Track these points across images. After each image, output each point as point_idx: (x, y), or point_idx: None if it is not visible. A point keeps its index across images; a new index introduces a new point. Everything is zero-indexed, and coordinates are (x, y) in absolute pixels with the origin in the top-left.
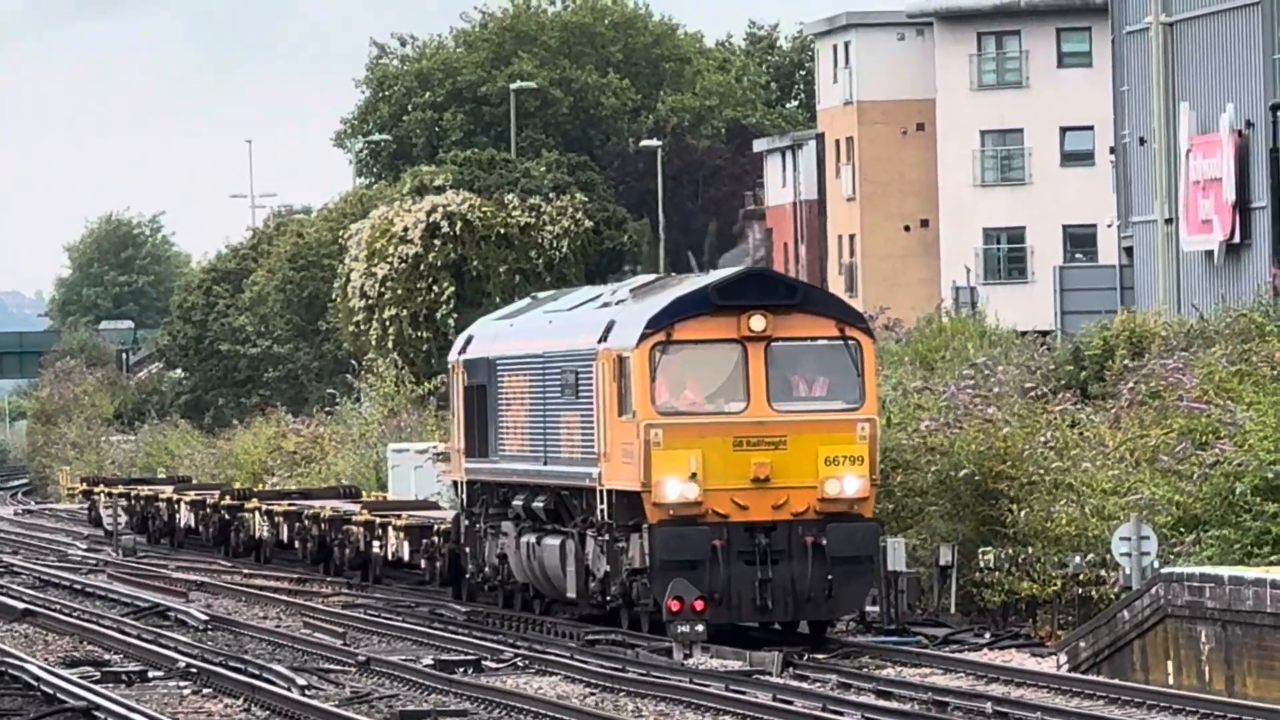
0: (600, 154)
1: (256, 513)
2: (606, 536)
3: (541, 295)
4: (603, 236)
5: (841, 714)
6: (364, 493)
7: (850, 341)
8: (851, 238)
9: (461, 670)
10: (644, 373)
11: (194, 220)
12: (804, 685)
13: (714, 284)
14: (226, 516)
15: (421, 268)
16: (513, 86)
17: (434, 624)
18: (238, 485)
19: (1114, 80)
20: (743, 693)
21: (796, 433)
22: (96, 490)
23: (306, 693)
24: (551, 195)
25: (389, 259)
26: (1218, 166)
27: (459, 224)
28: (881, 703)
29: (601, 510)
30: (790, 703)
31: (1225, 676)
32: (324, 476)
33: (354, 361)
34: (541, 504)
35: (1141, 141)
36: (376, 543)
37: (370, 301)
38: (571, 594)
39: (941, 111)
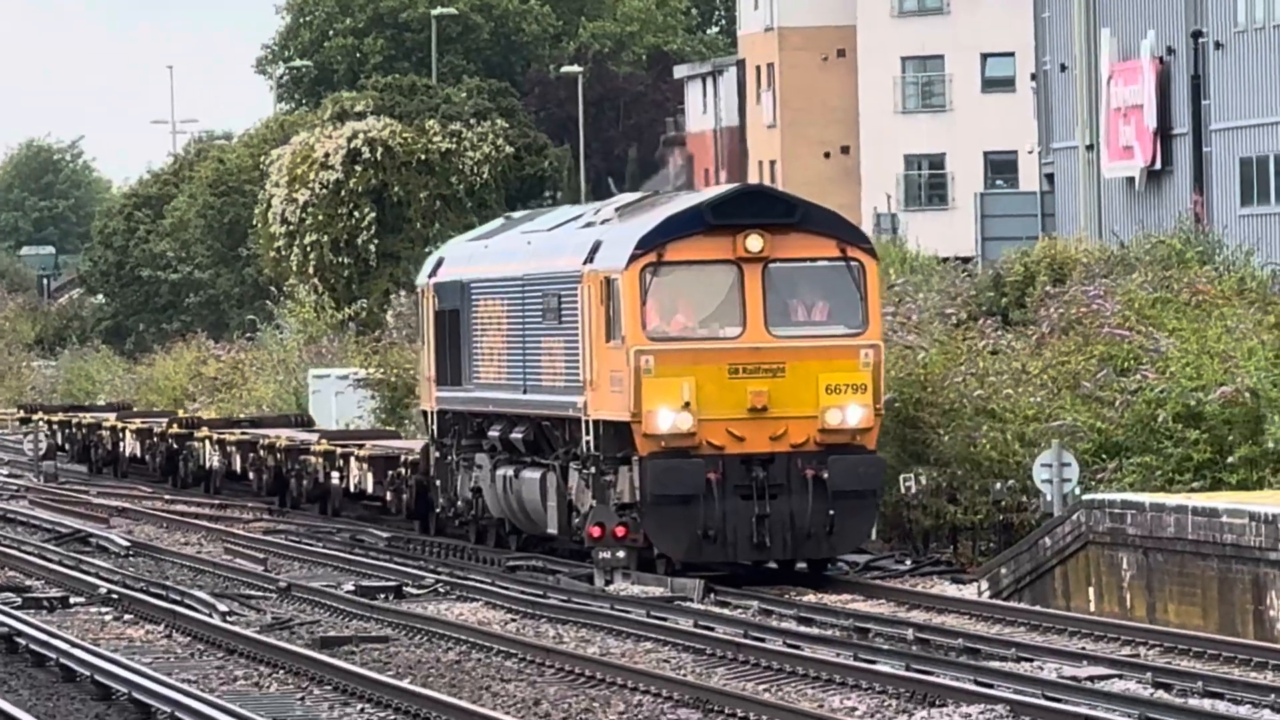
0: (521, 80)
1: (207, 442)
2: (592, 469)
3: (516, 215)
4: (523, 163)
5: (763, 640)
6: (316, 421)
7: (853, 262)
8: (772, 164)
9: (382, 596)
10: (634, 296)
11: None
12: (725, 612)
13: (708, 202)
14: (174, 445)
15: (342, 194)
16: (434, 12)
17: (355, 550)
18: (181, 413)
19: (1035, 6)
20: (664, 619)
21: (796, 359)
22: (35, 417)
23: (228, 619)
24: (472, 121)
25: (310, 185)
26: (1139, 93)
27: (380, 150)
28: (803, 629)
29: (587, 442)
30: (711, 629)
31: (1146, 603)
32: (245, 402)
33: (274, 288)
34: (520, 435)
35: (1063, 68)
36: (336, 474)
37: (291, 227)
38: (552, 529)
39: (862, 38)
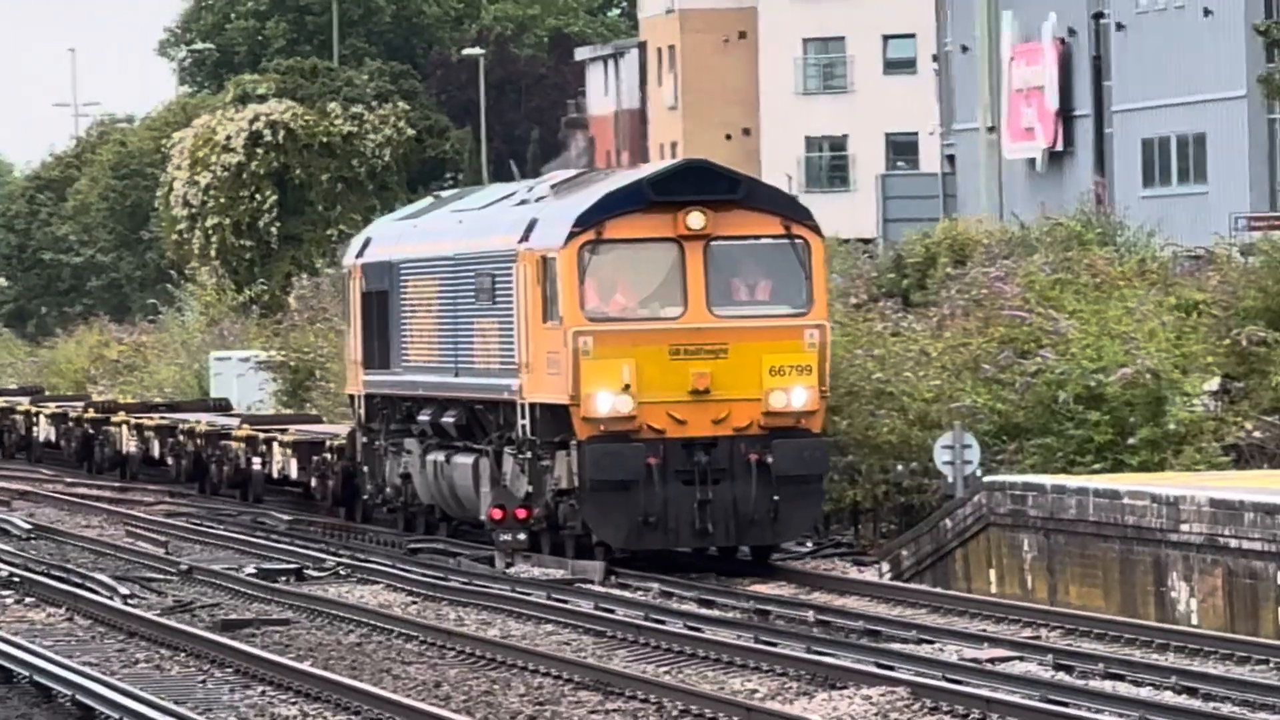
0: (423, 63)
1: (124, 426)
2: (528, 454)
3: (445, 194)
4: (425, 145)
5: (664, 623)
6: (234, 406)
7: (797, 240)
8: (674, 146)
9: (284, 579)
10: (572, 275)
11: (16, 128)
12: (626, 594)
13: (648, 178)
14: (90, 430)
15: (244, 176)
16: None
17: (256, 533)
18: (96, 397)
19: None
20: (565, 601)
21: (738, 340)
22: None
23: (129, 601)
24: (374, 104)
25: (212, 168)
26: (1040, 74)
27: (281, 133)
28: (703, 611)
29: (523, 426)
30: (612, 611)
31: (1048, 585)
32: (147, 385)
33: (176, 271)
34: (452, 419)
35: (964, 49)
36: (258, 460)
37: (193, 210)
38: (485, 516)
39: (763, 19)
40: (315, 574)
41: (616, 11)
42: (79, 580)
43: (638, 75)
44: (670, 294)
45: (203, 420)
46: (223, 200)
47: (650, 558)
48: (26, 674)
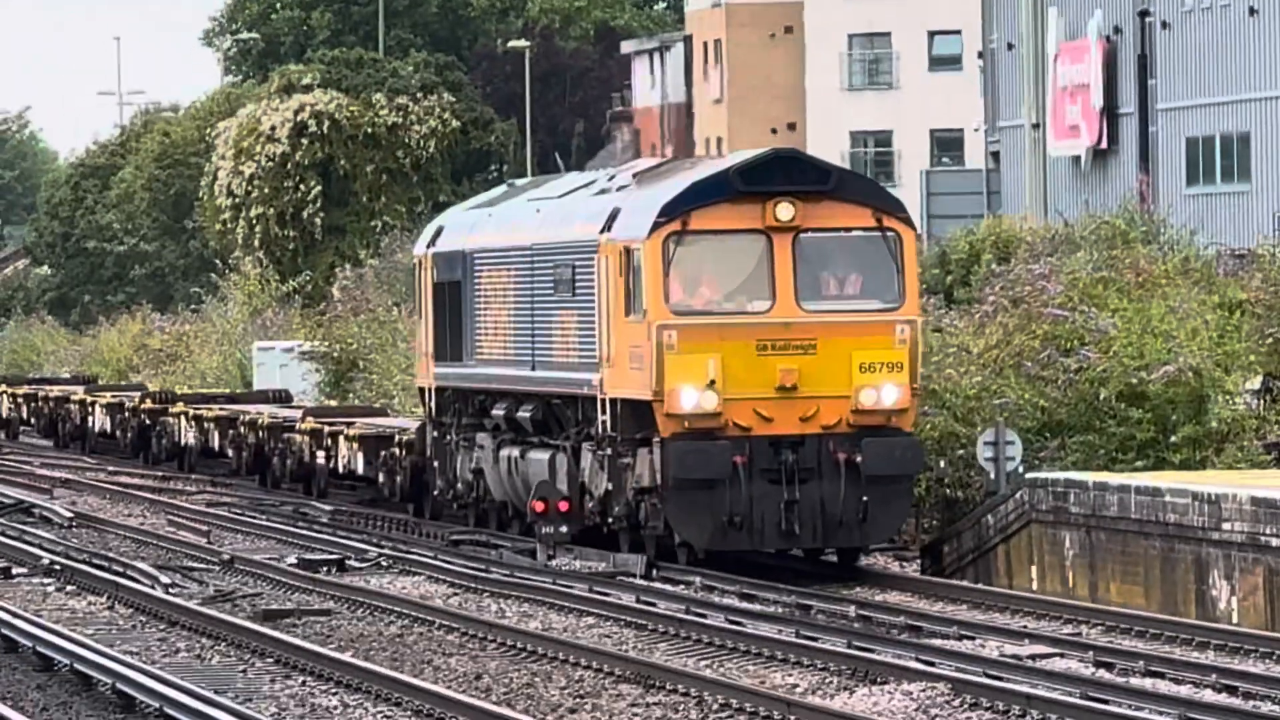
0: (468, 55)
1: (182, 417)
2: (608, 451)
3: (519, 182)
4: (469, 137)
5: (705, 616)
6: (294, 397)
7: (889, 233)
8: (719, 140)
9: (325, 569)
10: (656, 267)
11: (61, 116)
12: (668, 588)
13: (736, 167)
14: (146, 421)
15: (288, 167)
16: None
17: (298, 523)
18: (153, 385)
19: None
20: (606, 594)
21: (828, 335)
22: None
23: (170, 591)
24: (419, 95)
25: (256, 158)
26: (1085, 72)
27: (326, 123)
28: (745, 605)
29: (603, 421)
30: (653, 604)
31: (1089, 582)
32: (189, 374)
33: (220, 260)
34: (527, 414)
35: (1009, 47)
36: (322, 453)
37: (237, 200)
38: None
39: (809, 14)
40: (357, 565)
41: (663, 5)
42: (120, 569)
43: (683, 69)
44: (758, 287)
45: (265, 412)
46: (267, 190)
47: (734, 560)
48: (67, 662)
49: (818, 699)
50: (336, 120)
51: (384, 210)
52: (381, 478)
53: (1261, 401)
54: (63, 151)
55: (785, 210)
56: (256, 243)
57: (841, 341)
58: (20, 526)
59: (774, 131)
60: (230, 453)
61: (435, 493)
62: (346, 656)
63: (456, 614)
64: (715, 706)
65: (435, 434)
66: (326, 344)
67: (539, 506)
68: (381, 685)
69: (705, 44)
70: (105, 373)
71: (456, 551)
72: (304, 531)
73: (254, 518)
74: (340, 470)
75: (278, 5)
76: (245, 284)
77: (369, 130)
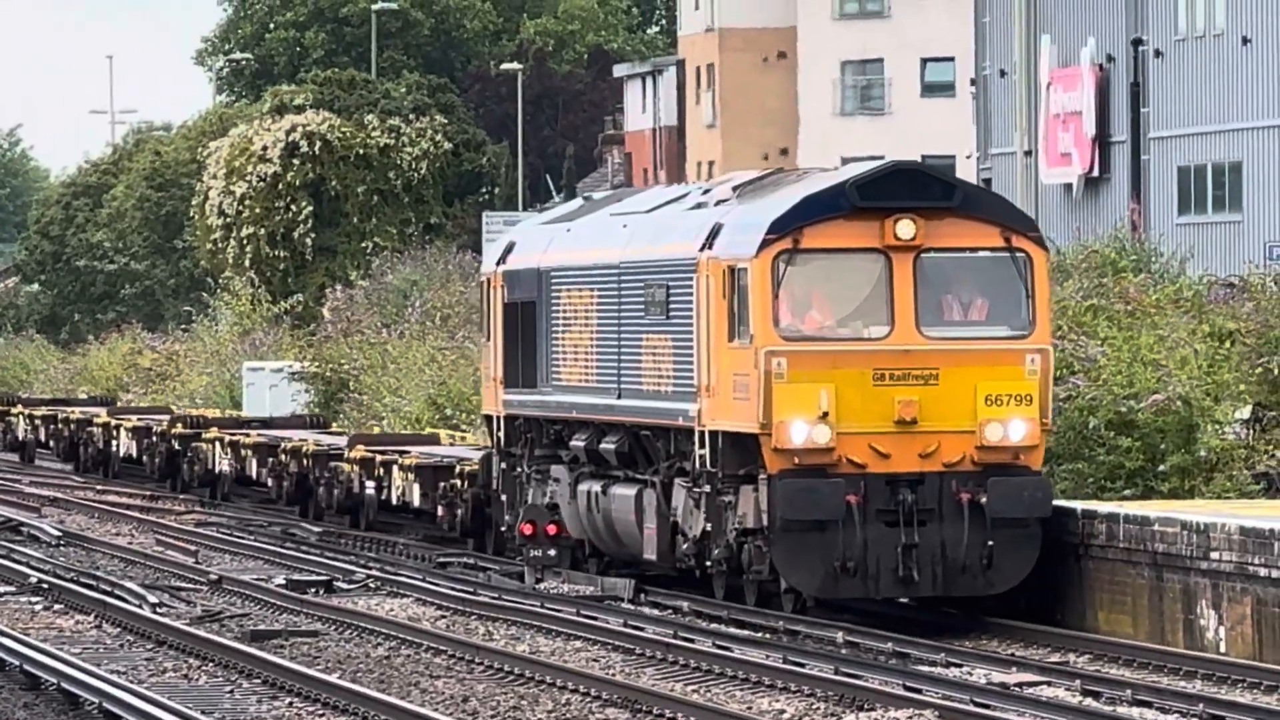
0: (461, 76)
1: (217, 444)
2: (706, 488)
3: (597, 196)
4: (461, 159)
5: (692, 641)
6: (332, 422)
7: (1018, 254)
8: (711, 165)
9: (313, 590)
10: (765, 288)
11: (53, 134)
12: (655, 612)
13: (852, 180)
14: (176, 446)
15: (280, 187)
16: (374, 7)
17: (286, 544)
18: (184, 410)
19: (975, 11)
20: (594, 618)
21: (951, 365)
22: (14, 411)
23: (158, 610)
24: (411, 117)
25: (248, 178)
26: (1078, 100)
27: (318, 144)
28: (732, 630)
29: (700, 456)
30: (641, 629)
31: (1077, 610)
32: (179, 394)
33: (210, 279)
34: (612, 445)
35: (1002, 74)
36: (372, 483)
37: (228, 220)
38: (650, 555)
39: (803, 40)
40: (345, 586)
41: (656, 29)
42: (108, 588)
43: (675, 93)
44: (875, 311)
45: (309, 439)
46: (258, 210)
47: (844, 608)
48: (54, 681)
49: None
50: (328, 141)
51: (375, 231)
52: (440, 511)
53: (1251, 431)
54: (54, 170)
55: (906, 228)
56: (247, 262)
57: (966, 371)
58: (8, 545)
59: (766, 157)
60: (270, 481)
61: (503, 529)
62: (334, 678)
63: (444, 636)
64: None
65: (503, 465)
66: (317, 365)
67: (527, 530)
68: (369, 707)
69: (698, 68)
70: (95, 391)
71: (444, 573)
72: (292, 552)
73: (242, 538)
74: (393, 502)
75: (271, 26)
76: (236, 304)
77: (360, 151)
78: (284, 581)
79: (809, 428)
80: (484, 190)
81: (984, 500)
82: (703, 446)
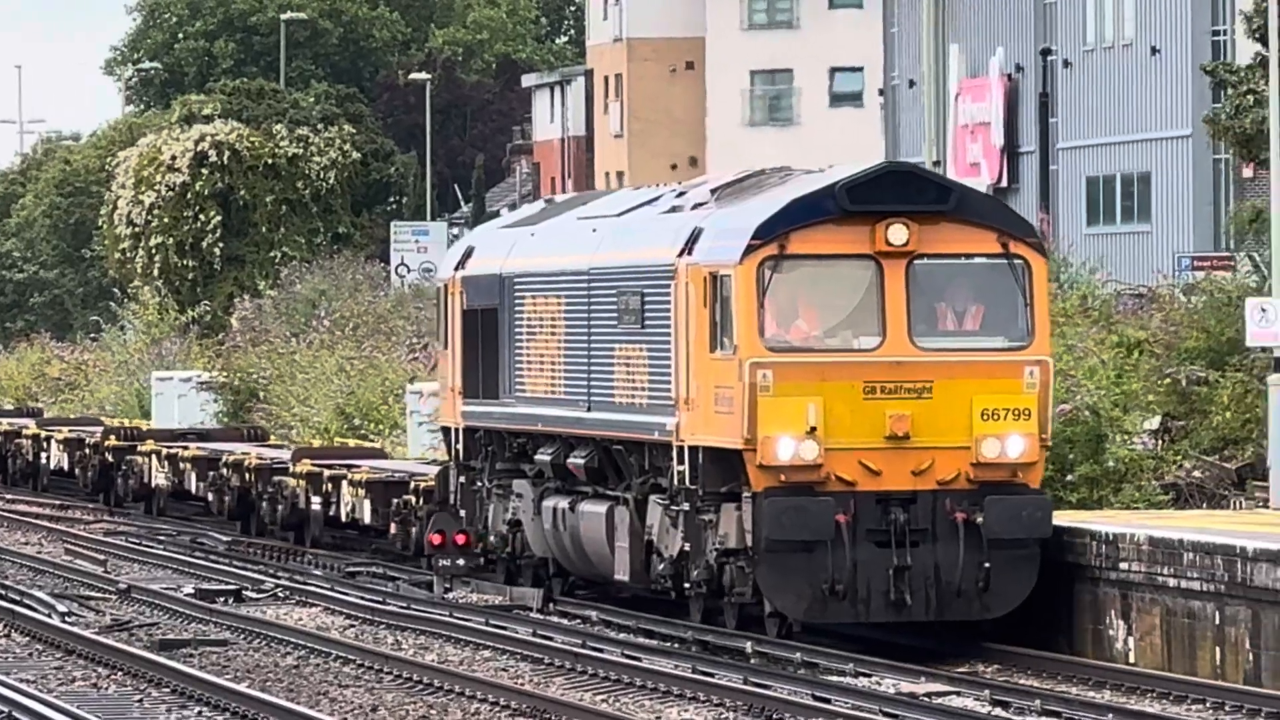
0: (370, 86)
1: (153, 456)
2: (685, 506)
3: (559, 199)
4: (370, 169)
5: (601, 650)
6: (272, 435)
7: (1016, 260)
8: (620, 175)
9: (222, 600)
10: (749, 296)
11: None
12: (564, 621)
13: (842, 183)
14: (110, 459)
15: (188, 196)
16: (283, 16)
17: (195, 553)
18: (116, 421)
19: (884, 21)
20: (503, 628)
21: (945, 377)
22: None
23: (66, 619)
24: (320, 126)
25: (156, 187)
26: (986, 110)
27: (227, 154)
28: (642, 640)
29: (679, 472)
30: (550, 638)
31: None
32: (87, 404)
33: (119, 289)
34: (581, 460)
35: (911, 84)
36: (319, 499)
37: (137, 229)
38: (622, 575)
39: (711, 50)
40: (254, 595)
41: (564, 39)
42: (16, 597)
43: (584, 103)
44: (865, 321)
45: (251, 453)
46: (166, 220)
47: (831, 633)
48: None
49: None
50: (237, 150)
51: (283, 241)
52: (393, 529)
53: (1159, 441)
54: None
55: (898, 233)
56: (156, 272)
57: (961, 384)
58: None
59: (674, 167)
60: (210, 496)
61: None
62: (243, 687)
63: (353, 645)
64: None
65: (462, 480)
66: (225, 374)
67: (436, 539)
68: (278, 716)
69: (606, 78)
70: (3, 401)
71: (353, 583)
72: (201, 561)
73: (151, 547)
74: (342, 519)
75: (180, 35)
76: (144, 313)
77: (269, 161)
78: (193, 591)
79: (796, 443)
80: (392, 200)
81: (980, 520)
82: (681, 462)
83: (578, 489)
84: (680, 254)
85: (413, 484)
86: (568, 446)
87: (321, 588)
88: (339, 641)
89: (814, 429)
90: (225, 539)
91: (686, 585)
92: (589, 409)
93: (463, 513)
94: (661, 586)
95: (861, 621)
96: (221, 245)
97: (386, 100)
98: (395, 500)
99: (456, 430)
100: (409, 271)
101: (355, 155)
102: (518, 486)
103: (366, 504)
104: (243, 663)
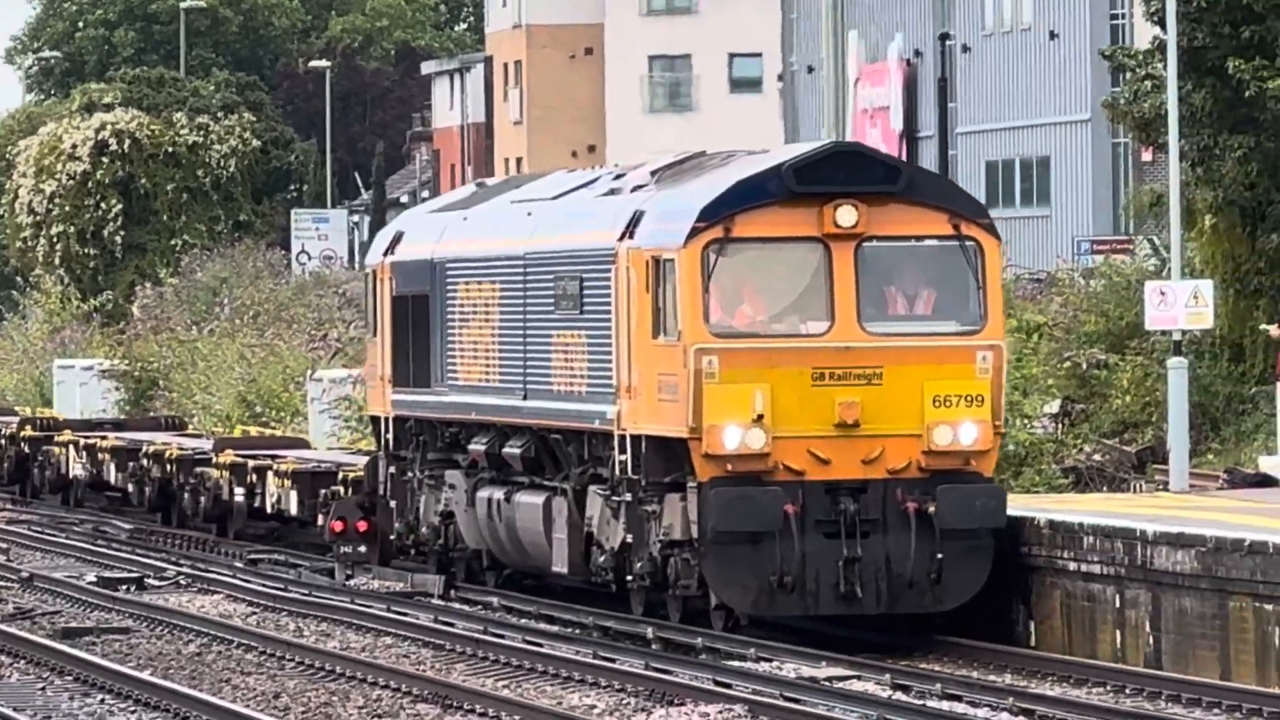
0: (270, 74)
1: (71, 446)
2: (627, 496)
3: (490, 182)
4: (270, 156)
5: (503, 636)
6: (188, 423)
7: (968, 242)
8: (519, 161)
9: (125, 588)
10: (694, 281)
11: None
12: (466, 608)
13: (790, 163)
14: (25, 450)
15: (89, 185)
16: (183, 5)
17: (98, 541)
18: (35, 411)
19: (783, 7)
20: (404, 614)
21: (896, 363)
22: None
23: None
24: (220, 115)
25: (57, 176)
26: (885, 95)
27: (127, 142)
28: (543, 626)
29: (621, 462)
30: (451, 624)
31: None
32: None
33: (20, 277)
34: (517, 450)
35: (810, 69)
36: (243, 490)
37: (38, 218)
38: (560, 568)
39: (610, 36)
40: (156, 583)
41: (464, 26)
42: None
43: (484, 90)
44: (813, 305)
45: (173, 443)
46: (68, 208)
47: (779, 626)
48: None
49: None
50: (137, 139)
51: (184, 229)
52: (320, 519)
53: (1060, 425)
54: None
55: (847, 215)
56: (57, 260)
57: (912, 370)
58: None
59: (574, 154)
60: (130, 487)
61: (393, 537)
62: (145, 675)
63: (255, 633)
64: None
65: (392, 470)
66: (127, 362)
67: (337, 526)
68: (180, 704)
69: (506, 65)
70: None
71: (255, 570)
72: (104, 549)
73: (53, 535)
74: (267, 510)
75: (81, 24)
76: (46, 301)
77: (170, 149)
78: (95, 579)
79: (742, 431)
80: (293, 187)
81: (932, 510)
82: (623, 452)
83: (513, 479)
84: (621, 237)
85: (341, 474)
86: (503, 436)
87: (223, 575)
88: (241, 629)
89: (761, 417)
90: (128, 527)
91: (629, 578)
92: (525, 397)
93: (393, 504)
94: (602, 579)
95: (811, 615)
96: (123, 233)
97: (286, 88)
98: (323, 491)
99: (386, 419)
100: (310, 259)
101: (255, 143)
102: (450, 477)
103: (293, 495)
104: (145, 650)
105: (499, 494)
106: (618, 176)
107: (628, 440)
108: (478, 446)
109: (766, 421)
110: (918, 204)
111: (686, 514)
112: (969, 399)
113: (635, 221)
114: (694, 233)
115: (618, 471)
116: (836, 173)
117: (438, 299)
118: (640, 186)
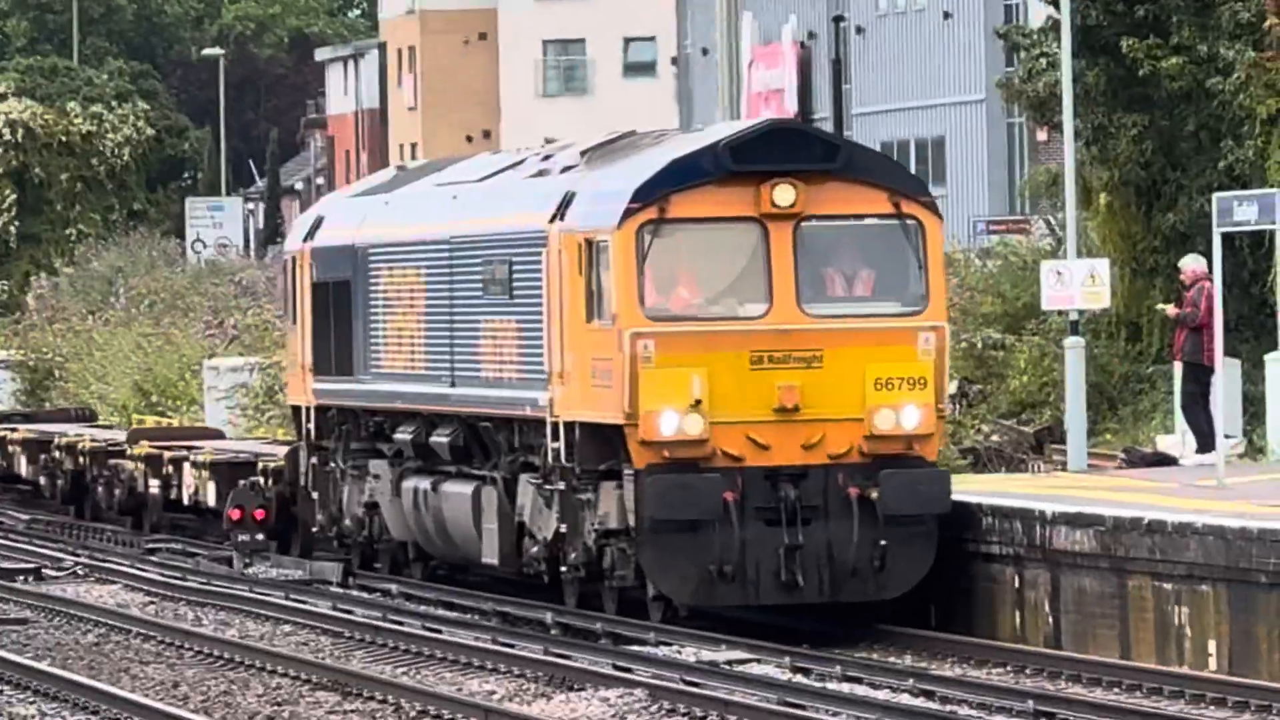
0: (163, 62)
1: None
2: (561, 485)
3: (412, 165)
4: (164, 145)
5: (402, 623)
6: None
7: (909, 221)
8: (414, 147)
9: (22, 578)
10: (629, 263)
11: None
12: (364, 595)
13: (725, 141)
14: None
15: None
16: None
17: None
18: None
19: None
20: (303, 602)
21: (836, 345)
22: None
23: None
24: (114, 103)
25: None
26: (780, 77)
27: (20, 131)
28: (442, 612)
29: (554, 450)
30: (350, 612)
31: None
32: None
33: None
34: (445, 439)
35: (704, 52)
36: (158, 482)
37: None
38: (490, 559)
39: (503, 21)
40: (53, 573)
41: (357, 12)
42: None
43: (378, 76)
44: (751, 287)
45: (85, 435)
46: None
47: (719, 617)
48: None
49: (515, 705)
50: (31, 128)
51: (79, 219)
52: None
53: (957, 406)
54: None
55: (784, 194)
56: None
57: (852, 352)
58: None
59: (469, 139)
60: (42, 480)
61: (315, 529)
62: (43, 665)
63: (154, 622)
64: (413, 713)
65: (314, 461)
66: (22, 353)
67: (235, 514)
68: (79, 694)
69: (400, 50)
70: None
71: (152, 559)
72: (0, 540)
73: None
74: (184, 502)
75: None
76: None
77: (63, 138)
78: None
79: (680, 417)
80: (187, 176)
81: (874, 495)
82: (555, 439)
83: (440, 469)
84: (552, 219)
85: (260, 464)
86: (429, 425)
87: (121, 565)
88: (139, 618)
89: (699, 402)
90: (24, 518)
91: (563, 569)
92: (453, 385)
93: (315, 495)
94: (534, 570)
95: (751, 604)
96: (17, 224)
97: (180, 76)
98: (242, 482)
99: (308, 409)
100: (205, 247)
101: (150, 131)
102: (375, 467)
103: (211, 486)
104: (43, 641)
105: (426, 484)
106: (545, 158)
107: (560, 427)
108: (404, 436)
109: (704, 407)
110: (857, 182)
111: (623, 502)
112: (911, 381)
113: (566, 203)
114: (628, 214)
115: (550, 460)
116: (773, 151)
117: (360, 285)
118: (570, 167)
